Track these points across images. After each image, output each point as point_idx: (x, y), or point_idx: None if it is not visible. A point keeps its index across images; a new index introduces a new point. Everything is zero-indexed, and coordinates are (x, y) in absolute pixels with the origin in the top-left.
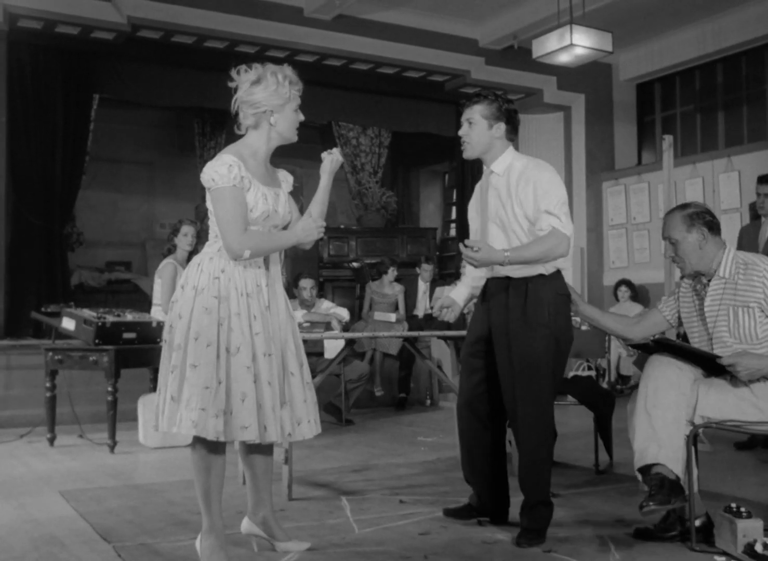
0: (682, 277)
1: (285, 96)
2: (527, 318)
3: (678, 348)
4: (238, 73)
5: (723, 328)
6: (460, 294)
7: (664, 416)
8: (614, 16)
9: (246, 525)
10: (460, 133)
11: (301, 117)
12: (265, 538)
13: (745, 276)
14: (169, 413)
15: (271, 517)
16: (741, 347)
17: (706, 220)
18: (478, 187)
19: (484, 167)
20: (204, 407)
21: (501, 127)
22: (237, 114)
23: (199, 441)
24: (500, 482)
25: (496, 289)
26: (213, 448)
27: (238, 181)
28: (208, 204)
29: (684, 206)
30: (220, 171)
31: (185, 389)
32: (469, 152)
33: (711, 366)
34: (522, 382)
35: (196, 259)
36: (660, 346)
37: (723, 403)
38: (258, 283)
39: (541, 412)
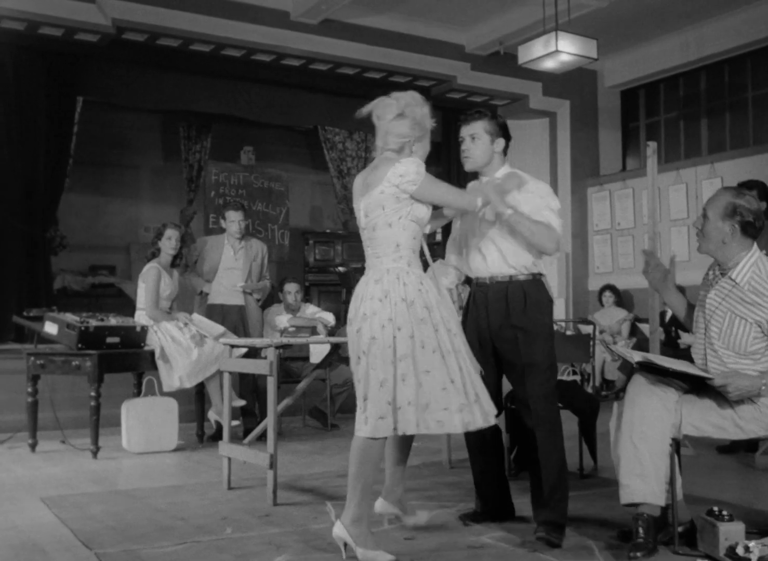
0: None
1: (426, 128)
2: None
3: (665, 370)
4: (379, 102)
5: (715, 328)
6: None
7: (650, 449)
8: (599, 23)
9: (380, 505)
10: (463, 147)
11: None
12: (399, 514)
13: (756, 290)
14: (411, 417)
15: (403, 496)
16: (726, 353)
17: (745, 220)
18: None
19: (481, 177)
20: (446, 407)
21: (501, 143)
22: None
23: (375, 438)
24: (500, 479)
25: (479, 295)
26: (383, 444)
27: None
28: (392, 209)
29: (737, 194)
30: (420, 166)
31: (423, 394)
32: (470, 165)
33: (698, 382)
34: (530, 380)
35: (391, 273)
36: (645, 368)
37: (705, 424)
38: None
39: (551, 407)
